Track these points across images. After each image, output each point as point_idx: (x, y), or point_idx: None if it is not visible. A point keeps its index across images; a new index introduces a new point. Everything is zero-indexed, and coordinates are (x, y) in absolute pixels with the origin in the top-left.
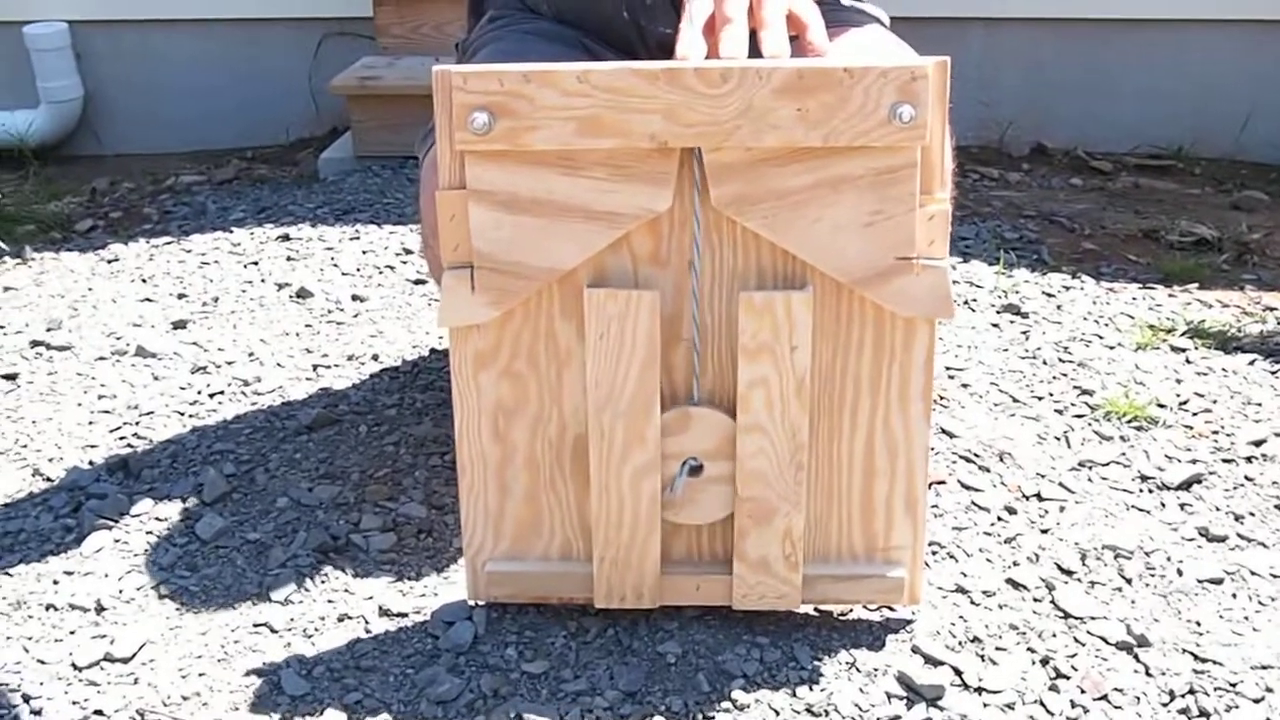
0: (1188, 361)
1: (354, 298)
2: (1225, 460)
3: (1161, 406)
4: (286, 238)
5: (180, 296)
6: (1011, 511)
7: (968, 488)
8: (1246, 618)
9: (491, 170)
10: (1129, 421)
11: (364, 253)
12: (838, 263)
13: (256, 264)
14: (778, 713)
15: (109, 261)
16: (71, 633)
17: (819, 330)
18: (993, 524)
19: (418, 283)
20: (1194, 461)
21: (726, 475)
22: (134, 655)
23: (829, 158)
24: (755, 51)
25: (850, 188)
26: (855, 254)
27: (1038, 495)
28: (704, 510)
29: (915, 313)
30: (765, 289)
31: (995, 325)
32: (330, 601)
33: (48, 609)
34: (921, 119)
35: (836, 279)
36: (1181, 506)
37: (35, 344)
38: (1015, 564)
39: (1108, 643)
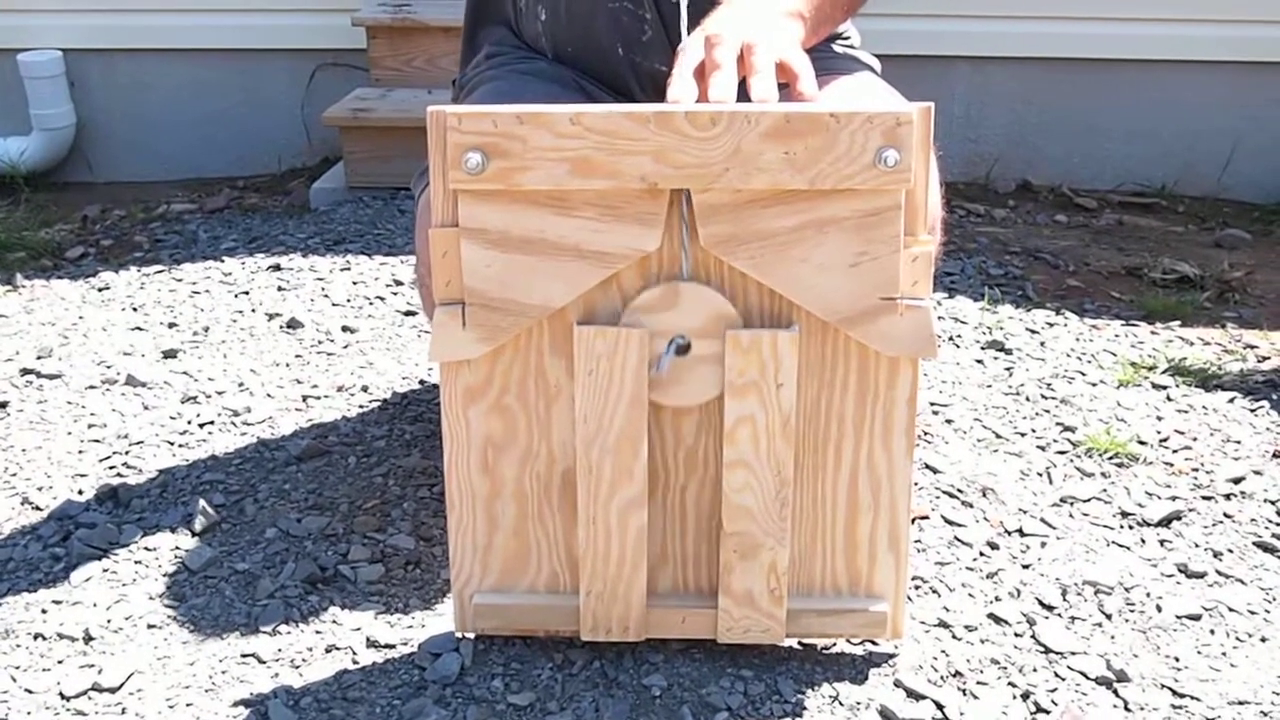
0: (1169, 399)
1: (344, 329)
2: (1205, 497)
3: (1142, 443)
4: (277, 268)
5: (171, 325)
6: (994, 547)
7: (950, 523)
8: (1224, 654)
9: (484, 209)
10: (1110, 458)
11: (354, 283)
12: (823, 302)
13: (247, 294)
14: None
15: (100, 290)
16: (59, 662)
17: (804, 368)
18: (975, 559)
19: (408, 314)
20: (1174, 498)
21: (714, 355)
22: (122, 685)
23: (815, 200)
24: (746, 99)
25: (836, 229)
26: (841, 294)
27: (1019, 531)
28: (690, 391)
29: (899, 352)
30: (752, 327)
31: (979, 361)
32: (318, 632)
33: (36, 638)
34: (906, 163)
35: (822, 318)
36: (1161, 543)
37: (25, 372)
38: (997, 599)
39: (1087, 678)
